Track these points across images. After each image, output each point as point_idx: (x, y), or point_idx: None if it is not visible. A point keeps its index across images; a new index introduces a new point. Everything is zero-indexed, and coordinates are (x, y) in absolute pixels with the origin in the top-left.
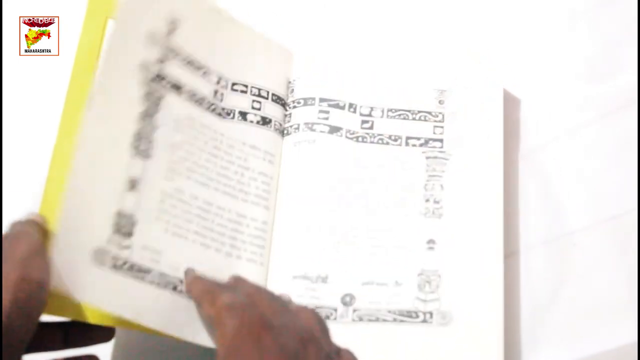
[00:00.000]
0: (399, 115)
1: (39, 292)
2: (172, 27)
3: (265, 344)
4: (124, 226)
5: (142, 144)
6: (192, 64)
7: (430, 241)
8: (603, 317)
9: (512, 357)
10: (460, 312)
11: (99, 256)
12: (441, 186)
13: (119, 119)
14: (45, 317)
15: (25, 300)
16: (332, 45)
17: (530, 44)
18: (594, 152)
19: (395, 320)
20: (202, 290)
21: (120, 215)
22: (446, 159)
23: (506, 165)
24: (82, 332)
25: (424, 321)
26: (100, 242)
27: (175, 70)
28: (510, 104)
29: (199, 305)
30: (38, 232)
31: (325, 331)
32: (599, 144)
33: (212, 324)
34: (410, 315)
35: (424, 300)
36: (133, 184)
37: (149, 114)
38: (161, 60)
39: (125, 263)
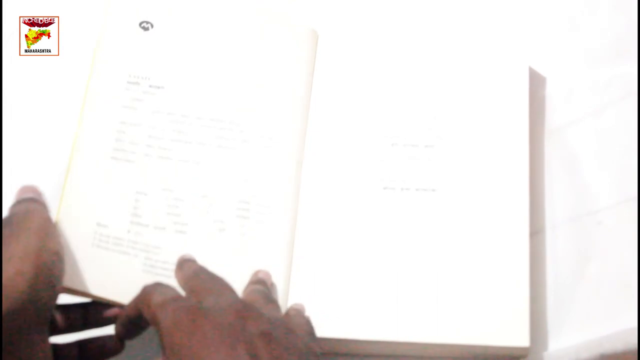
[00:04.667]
0: None
1: (58, 261)
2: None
3: (198, 326)
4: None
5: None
6: None
7: None
8: (628, 296)
9: (538, 334)
10: (485, 290)
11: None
12: None
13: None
14: (64, 298)
15: (47, 269)
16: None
17: (556, 22)
18: (619, 131)
19: None
20: (135, 299)
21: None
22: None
23: (532, 143)
24: (100, 312)
25: None
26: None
27: None
28: (536, 81)
29: (140, 314)
30: (45, 207)
31: (268, 300)
32: (625, 122)
33: (154, 326)
34: None
35: None
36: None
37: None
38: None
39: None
